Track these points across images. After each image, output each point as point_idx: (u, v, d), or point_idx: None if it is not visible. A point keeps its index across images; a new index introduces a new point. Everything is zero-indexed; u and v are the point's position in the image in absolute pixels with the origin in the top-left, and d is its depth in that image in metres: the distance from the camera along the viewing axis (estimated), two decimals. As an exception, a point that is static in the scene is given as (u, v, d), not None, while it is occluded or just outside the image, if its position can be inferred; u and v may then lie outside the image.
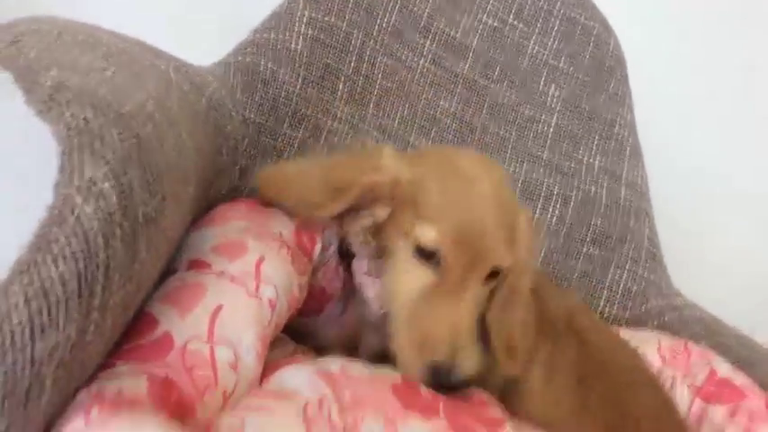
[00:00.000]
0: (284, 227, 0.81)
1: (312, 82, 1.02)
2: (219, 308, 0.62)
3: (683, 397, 0.87)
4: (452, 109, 1.16)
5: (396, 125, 1.11)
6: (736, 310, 1.10)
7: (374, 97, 1.10)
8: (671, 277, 1.20)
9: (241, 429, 0.52)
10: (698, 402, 0.86)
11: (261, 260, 0.69)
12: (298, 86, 1.00)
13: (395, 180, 0.71)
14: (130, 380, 0.51)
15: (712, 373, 0.88)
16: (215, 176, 0.85)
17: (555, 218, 1.17)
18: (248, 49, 0.98)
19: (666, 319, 1.11)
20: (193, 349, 0.57)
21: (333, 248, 0.92)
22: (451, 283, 0.68)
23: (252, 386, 0.62)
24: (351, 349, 0.86)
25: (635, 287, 1.16)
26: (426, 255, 0.69)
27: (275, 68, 0.98)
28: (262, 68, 0.97)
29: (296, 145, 1.01)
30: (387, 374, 0.67)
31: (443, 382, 0.64)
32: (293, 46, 1.00)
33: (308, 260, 0.82)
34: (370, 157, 0.74)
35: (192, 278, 0.64)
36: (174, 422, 0.48)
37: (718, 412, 0.84)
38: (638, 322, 1.12)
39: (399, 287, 0.71)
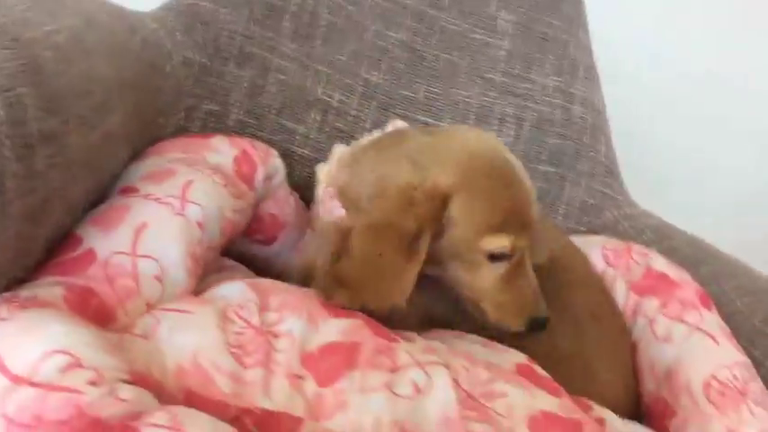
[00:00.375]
0: (222, 156, 0.85)
1: (255, 20, 1.05)
2: (144, 225, 0.66)
3: (621, 293, 0.90)
4: (402, 39, 1.17)
5: (345, 59, 1.13)
6: (697, 223, 1.12)
7: (321, 33, 1.12)
8: (629, 191, 1.22)
9: (156, 326, 0.56)
10: (632, 297, 0.89)
11: (189, 183, 0.72)
12: (240, 26, 1.03)
13: (445, 198, 0.72)
14: (47, 288, 0.56)
15: (648, 268, 0.90)
16: (157, 114, 0.89)
17: (510, 139, 1.19)
18: (186, -8, 1.00)
19: (620, 228, 1.13)
20: (116, 262, 0.62)
21: (280, 177, 0.95)
22: (519, 260, 0.75)
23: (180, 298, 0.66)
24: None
25: (591, 201, 1.18)
26: (499, 256, 0.74)
27: (215, 8, 1.01)
28: (202, 9, 1.00)
29: (244, 84, 1.04)
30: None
31: (541, 327, 0.76)
32: (231, -14, 1.02)
33: (250, 187, 0.85)
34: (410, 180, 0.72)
35: (119, 201, 0.68)
36: (87, 322, 0.53)
37: (652, 304, 0.87)
38: (594, 233, 1.15)
39: (482, 285, 0.75)
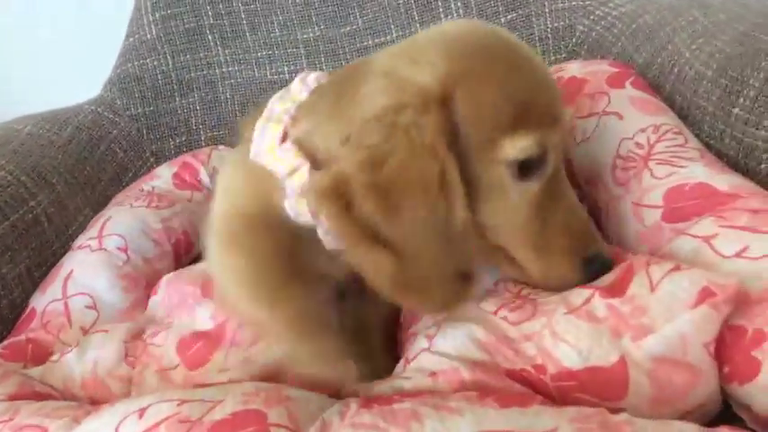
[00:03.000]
0: (160, 180, 0.98)
1: (181, 51, 1.17)
2: (71, 272, 0.81)
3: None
4: (320, -16, 1.20)
5: (279, 34, 1.19)
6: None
7: (246, 25, 1.19)
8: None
9: (66, 351, 0.70)
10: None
11: (106, 221, 0.86)
12: (169, 63, 1.16)
13: (443, 100, 0.52)
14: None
15: (558, 79, 0.82)
16: (122, 173, 1.05)
17: (461, 10, 1.14)
18: (117, 64, 1.16)
19: (594, 35, 1.01)
20: (50, 309, 0.77)
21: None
22: (555, 173, 0.56)
23: (123, 312, 0.79)
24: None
25: (561, 23, 1.08)
26: (527, 167, 0.54)
27: (140, 62, 1.15)
28: (130, 70, 1.14)
29: (197, 107, 1.16)
30: None
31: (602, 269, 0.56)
32: (148, 36, 1.16)
33: (195, 188, 0.97)
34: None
35: (59, 262, 0.85)
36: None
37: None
38: (575, 55, 1.04)
39: (513, 220, 0.56)
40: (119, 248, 0.84)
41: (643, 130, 0.68)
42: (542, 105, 0.54)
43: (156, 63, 1.15)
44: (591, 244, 0.57)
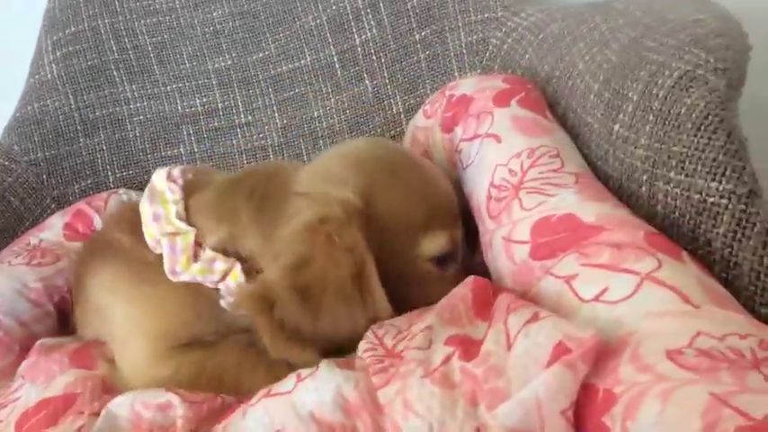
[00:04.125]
0: (50, 231, 0.92)
1: (84, 89, 1.11)
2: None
3: (438, 142, 0.76)
4: (227, 12, 1.14)
5: (189, 66, 1.14)
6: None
7: (153, 58, 1.14)
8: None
9: None
10: (445, 138, 0.75)
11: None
12: (71, 103, 1.10)
13: (361, 213, 0.59)
14: None
15: (450, 98, 0.76)
16: (17, 223, 0.99)
17: (374, 29, 1.08)
18: (17, 108, 1.10)
19: (506, 48, 0.95)
20: None
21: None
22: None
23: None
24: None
25: (474, 37, 1.02)
26: (443, 258, 0.63)
27: (41, 104, 1.09)
28: (29, 113, 1.09)
29: (103, 147, 1.10)
30: None
31: None
32: (49, 76, 1.10)
33: (84, 239, 0.91)
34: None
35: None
36: None
37: (457, 134, 0.73)
38: (489, 70, 0.98)
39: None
40: (-11, 313, 0.77)
41: (518, 155, 0.61)
42: (445, 207, 0.63)
43: (57, 104, 1.09)
44: None
